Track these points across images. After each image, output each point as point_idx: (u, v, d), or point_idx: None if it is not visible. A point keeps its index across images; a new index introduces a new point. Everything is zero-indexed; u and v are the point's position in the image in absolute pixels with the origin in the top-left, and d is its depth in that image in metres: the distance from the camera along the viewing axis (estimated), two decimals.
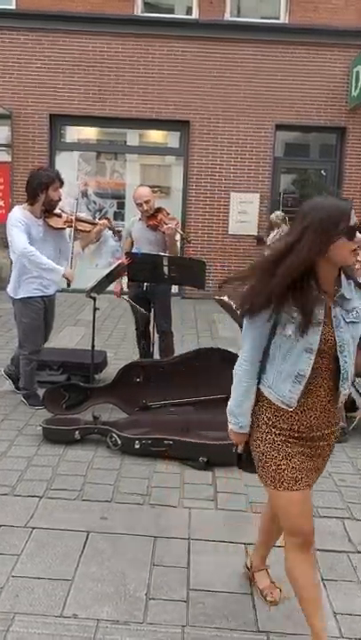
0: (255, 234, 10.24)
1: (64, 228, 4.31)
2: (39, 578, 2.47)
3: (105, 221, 4.49)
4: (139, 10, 9.92)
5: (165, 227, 4.76)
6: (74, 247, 4.36)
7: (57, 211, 4.27)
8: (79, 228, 4.31)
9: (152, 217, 4.92)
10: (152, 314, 5.11)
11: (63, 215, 4.29)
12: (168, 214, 4.99)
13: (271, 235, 9.86)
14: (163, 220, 4.85)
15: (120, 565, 2.58)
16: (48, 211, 4.22)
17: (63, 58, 9.83)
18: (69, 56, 9.83)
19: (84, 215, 4.60)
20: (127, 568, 2.57)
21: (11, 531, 2.80)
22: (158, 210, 4.96)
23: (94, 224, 4.42)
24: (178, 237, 5.02)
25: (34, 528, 2.84)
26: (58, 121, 10.17)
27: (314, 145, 10.88)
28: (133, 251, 4.91)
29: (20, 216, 4.12)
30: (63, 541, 2.74)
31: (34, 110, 9.93)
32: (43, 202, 4.17)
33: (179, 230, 4.80)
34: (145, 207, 4.91)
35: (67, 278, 4.20)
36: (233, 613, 2.32)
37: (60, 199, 4.23)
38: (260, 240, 9.95)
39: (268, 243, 9.75)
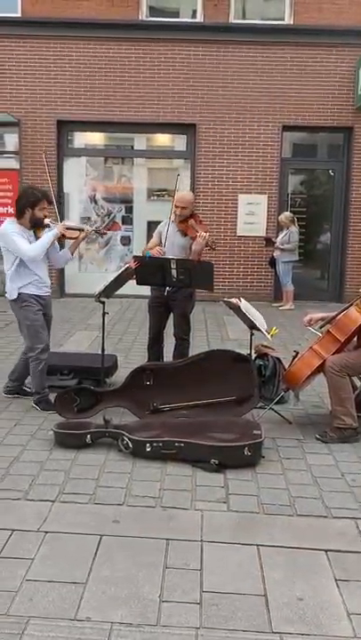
0: (264, 235, 10.25)
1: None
2: (52, 581, 2.48)
3: (89, 227, 4.71)
4: (144, 15, 9.98)
5: (198, 234, 4.81)
6: (54, 250, 4.62)
7: (46, 221, 4.48)
8: (67, 235, 4.53)
9: (183, 221, 4.99)
10: (171, 319, 5.15)
11: (52, 226, 4.48)
12: (201, 221, 5.07)
13: (280, 235, 9.87)
14: (193, 226, 4.90)
15: (133, 568, 2.59)
16: (37, 225, 4.44)
17: (69, 64, 9.91)
18: (75, 62, 9.91)
19: (70, 223, 4.91)
20: (140, 571, 2.57)
21: (24, 535, 2.82)
22: (191, 215, 5.02)
23: (81, 229, 4.65)
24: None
25: (47, 532, 2.85)
26: (65, 127, 10.25)
27: (321, 145, 10.88)
28: (142, 254, 4.92)
29: (12, 226, 4.37)
30: (76, 545, 2.75)
31: (41, 117, 10.01)
32: (29, 219, 4.39)
33: (208, 241, 4.83)
34: (178, 212, 4.98)
35: (60, 232, 4.39)
36: (247, 615, 2.32)
37: (45, 217, 4.44)
38: (268, 241, 9.95)
39: (277, 243, 9.76)
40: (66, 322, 8.16)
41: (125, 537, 2.83)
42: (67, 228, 4.52)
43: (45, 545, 2.75)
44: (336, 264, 10.72)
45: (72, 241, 4.66)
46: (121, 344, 6.87)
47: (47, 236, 4.36)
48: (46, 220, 4.44)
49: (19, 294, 4.42)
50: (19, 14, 9.83)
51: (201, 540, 2.83)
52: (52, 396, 4.68)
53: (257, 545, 2.80)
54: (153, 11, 10.13)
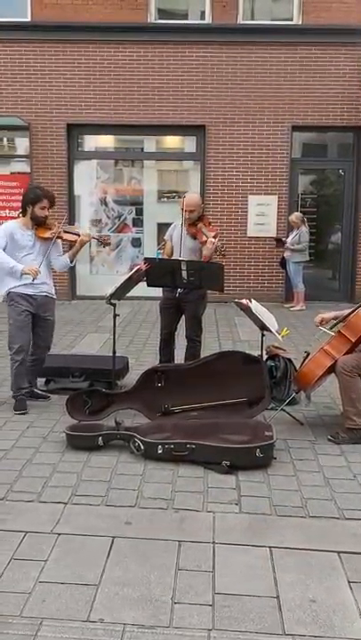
0: (274, 236, 10.23)
1: (51, 238, 4.59)
2: (65, 583, 2.49)
3: (89, 234, 4.81)
4: (152, 17, 10.00)
5: (208, 240, 4.82)
6: (58, 244, 4.71)
7: (49, 222, 4.61)
8: (65, 238, 4.66)
9: (193, 225, 4.99)
10: (183, 321, 5.16)
11: (53, 227, 4.61)
12: (210, 223, 5.07)
13: (290, 236, 9.84)
14: (202, 230, 4.90)
15: (145, 570, 2.60)
16: (38, 223, 4.55)
17: (78, 67, 9.96)
18: (85, 65, 9.95)
19: (70, 227, 5.01)
20: (152, 572, 2.58)
21: (37, 537, 2.84)
22: (200, 218, 5.02)
23: (79, 235, 4.73)
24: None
25: (59, 534, 2.87)
26: (75, 130, 10.29)
27: (331, 145, 10.84)
28: (152, 256, 4.94)
29: (8, 224, 4.57)
30: (88, 547, 2.76)
31: (51, 121, 10.07)
32: (30, 216, 4.51)
33: (218, 246, 4.82)
34: (188, 215, 4.99)
35: (25, 274, 4.42)
36: (259, 616, 2.32)
37: (46, 216, 4.56)
38: (279, 241, 9.93)
39: (288, 244, 9.74)
40: (77, 324, 8.20)
41: (138, 539, 2.84)
42: (65, 232, 4.64)
43: (58, 547, 2.76)
44: (347, 264, 10.67)
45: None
46: (132, 346, 6.89)
47: (12, 265, 4.38)
48: (50, 232, 4.54)
49: (8, 293, 4.52)
50: (28, 19, 9.90)
51: (213, 542, 2.83)
52: (63, 398, 4.72)
53: (269, 547, 2.80)
54: (161, 13, 10.16)
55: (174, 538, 2.86)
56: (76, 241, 4.64)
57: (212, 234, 4.92)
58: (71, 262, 4.77)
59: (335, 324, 4.37)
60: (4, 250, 4.43)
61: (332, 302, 10.18)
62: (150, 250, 10.40)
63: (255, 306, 4.22)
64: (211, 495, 3.30)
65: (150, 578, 2.55)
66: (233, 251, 10.12)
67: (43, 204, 4.47)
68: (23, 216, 4.57)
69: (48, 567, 2.61)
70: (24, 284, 4.47)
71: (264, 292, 10.05)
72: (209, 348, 6.35)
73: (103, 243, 4.88)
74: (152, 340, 7.12)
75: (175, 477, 3.50)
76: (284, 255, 9.91)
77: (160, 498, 3.25)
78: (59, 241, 4.65)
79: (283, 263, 10.07)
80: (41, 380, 5.11)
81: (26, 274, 4.40)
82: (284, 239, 9.89)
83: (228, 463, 3.55)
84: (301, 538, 2.89)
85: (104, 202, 10.68)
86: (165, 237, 5.32)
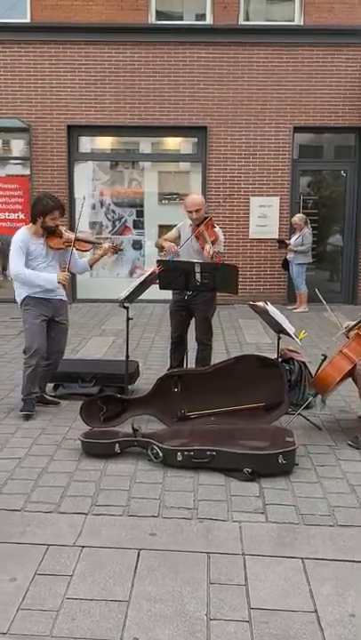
0: (276, 237, 10.16)
1: (63, 248, 4.49)
2: (94, 599, 2.39)
3: (108, 245, 4.65)
4: (152, 18, 9.92)
5: (204, 246, 4.74)
6: (73, 256, 4.55)
7: (59, 230, 4.49)
8: (78, 247, 4.54)
9: (196, 227, 4.91)
10: (193, 324, 5.06)
11: (64, 235, 4.50)
12: (214, 226, 4.95)
13: (293, 238, 9.78)
14: (203, 234, 4.81)
15: (176, 584, 2.50)
16: (49, 232, 4.45)
17: (79, 68, 9.86)
18: (85, 66, 9.85)
19: (84, 235, 4.89)
20: (183, 587, 2.48)
21: (60, 550, 2.73)
22: (203, 220, 4.92)
23: (94, 243, 4.67)
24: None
25: (83, 547, 2.76)
26: (75, 132, 10.18)
27: (333, 146, 10.79)
28: (166, 258, 4.82)
29: (21, 236, 4.39)
30: (115, 560, 2.66)
31: (51, 122, 9.96)
32: (41, 226, 4.41)
33: (212, 254, 4.72)
34: (194, 216, 4.89)
35: (61, 283, 4.39)
36: (299, 633, 2.22)
37: (57, 226, 4.47)
38: (282, 243, 9.86)
39: (291, 245, 9.67)
40: (80, 327, 8.08)
41: (164, 551, 2.74)
42: (78, 241, 4.52)
43: (83, 560, 2.66)
44: (349, 266, 10.61)
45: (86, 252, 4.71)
46: (138, 350, 6.78)
47: (39, 276, 4.34)
48: (62, 241, 4.45)
49: (24, 297, 4.44)
50: (28, 20, 9.79)
51: (243, 554, 2.73)
52: (72, 404, 4.62)
53: (301, 558, 2.71)
54: (162, 14, 10.08)
55: (202, 549, 2.76)
56: (88, 250, 4.59)
57: (212, 238, 4.83)
58: (90, 268, 4.70)
59: (351, 328, 4.29)
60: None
61: (334, 304, 10.12)
62: (151, 252, 10.29)
63: (272, 309, 4.13)
64: (235, 504, 3.20)
65: (182, 592, 2.44)
66: (235, 252, 10.04)
67: (54, 215, 4.38)
68: (33, 224, 4.45)
69: (74, 582, 2.50)
70: (41, 291, 4.40)
71: (266, 294, 9.93)
72: (216, 351, 6.23)
73: (118, 250, 4.76)
74: (158, 343, 7.03)
75: (196, 485, 3.40)
76: (287, 257, 9.84)
77: (183, 507, 3.15)
78: (73, 249, 4.52)
79: (285, 265, 10.00)
80: (49, 386, 4.99)
81: (61, 283, 4.36)
82: (287, 241, 9.82)
83: (249, 470, 3.45)
84: (333, 548, 2.80)
85: (104, 204, 10.58)
86: (175, 228, 5.18)
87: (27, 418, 4.42)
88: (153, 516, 3.05)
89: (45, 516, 3.05)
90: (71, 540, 2.81)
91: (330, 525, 3.01)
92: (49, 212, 4.36)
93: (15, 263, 4.34)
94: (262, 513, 3.11)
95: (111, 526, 2.95)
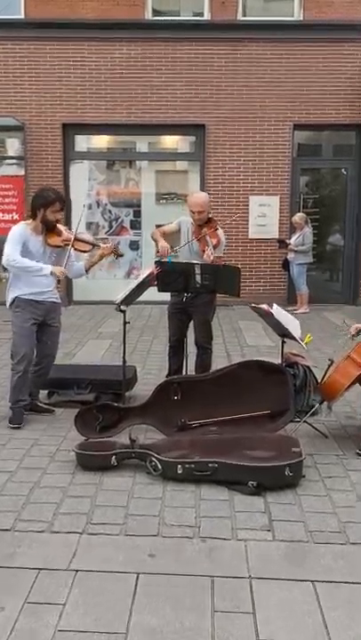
0: (276, 237, 9.98)
1: (61, 247, 4.29)
2: (89, 631, 2.19)
3: (109, 245, 4.47)
4: (149, 14, 9.73)
5: (205, 250, 4.52)
6: (71, 254, 4.32)
7: (58, 228, 4.30)
8: (77, 247, 4.33)
9: (198, 227, 4.70)
10: (191, 327, 4.87)
11: (63, 234, 4.30)
12: (216, 229, 4.73)
13: (293, 237, 9.59)
14: (205, 238, 4.61)
15: (177, 613, 2.30)
16: (48, 229, 4.25)
17: (74, 65, 9.67)
18: (80, 63, 9.66)
19: (84, 235, 4.60)
20: (186, 616, 2.29)
21: (52, 575, 2.53)
22: (207, 221, 4.72)
23: (94, 245, 4.44)
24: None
25: (77, 570, 2.56)
26: (71, 130, 9.99)
27: (333, 144, 10.61)
28: (164, 259, 4.60)
29: (20, 230, 4.21)
30: (111, 585, 2.46)
31: (46, 121, 9.76)
32: (41, 220, 4.22)
33: (214, 258, 4.53)
34: (197, 217, 4.69)
35: (55, 274, 4.19)
36: None
37: (58, 220, 4.28)
38: (282, 242, 9.68)
39: (292, 245, 9.48)
40: (76, 330, 7.89)
41: (165, 574, 2.55)
42: (78, 240, 4.32)
43: (77, 586, 2.46)
44: (350, 266, 10.44)
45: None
46: (136, 353, 6.58)
47: (34, 264, 4.13)
48: (61, 239, 4.26)
49: (14, 299, 4.26)
50: (22, 16, 9.60)
51: (249, 577, 2.54)
52: (67, 412, 4.43)
53: (312, 581, 2.52)
54: (159, 9, 9.88)
55: (205, 572, 2.57)
56: (87, 251, 4.40)
57: (215, 242, 4.64)
58: (87, 272, 4.48)
59: (359, 332, 4.10)
60: None
61: (335, 305, 9.97)
62: (149, 253, 10.10)
63: (277, 311, 3.94)
64: (239, 520, 3.00)
65: (184, 623, 2.25)
66: (234, 252, 9.85)
67: (55, 208, 4.19)
68: (32, 220, 4.26)
69: (67, 612, 2.30)
70: (32, 292, 4.21)
71: (266, 295, 9.77)
72: (216, 354, 6.04)
73: (118, 255, 4.54)
74: (155, 347, 6.84)
75: (198, 500, 3.21)
76: (288, 257, 9.66)
77: (184, 525, 2.95)
78: (71, 249, 4.32)
79: (285, 265, 9.81)
80: (43, 393, 4.80)
81: (55, 275, 4.16)
82: (287, 240, 9.64)
83: (254, 483, 3.26)
84: (346, 568, 2.61)
85: (101, 204, 10.38)
86: (176, 222, 4.92)
87: (17, 427, 4.23)
88: (152, 535, 2.86)
89: (37, 535, 2.85)
90: (64, 564, 2.61)
91: (341, 544, 2.82)
92: (50, 205, 4.17)
93: (10, 250, 4.10)
94: (269, 530, 2.92)
95: (108, 547, 2.75)
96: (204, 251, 4.59)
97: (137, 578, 2.52)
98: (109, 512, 3.07)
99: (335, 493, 3.32)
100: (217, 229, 4.72)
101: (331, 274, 10.83)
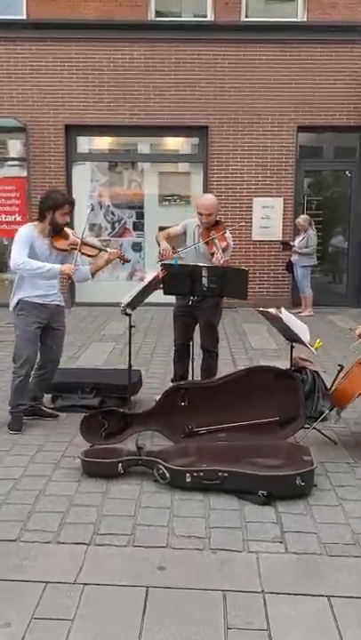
0: (280, 239, 9.91)
1: (67, 250, 4.21)
2: None
3: (116, 251, 4.41)
4: (152, 15, 9.67)
5: (215, 254, 4.45)
6: (78, 258, 4.22)
7: (65, 231, 4.22)
8: (84, 251, 4.25)
9: (205, 230, 4.62)
10: (197, 330, 4.79)
11: (70, 237, 4.22)
12: (224, 231, 4.65)
13: (297, 239, 9.52)
14: (213, 240, 4.53)
15: (189, 630, 2.22)
16: (55, 231, 4.17)
17: (76, 66, 9.61)
18: (83, 64, 9.60)
19: (91, 239, 4.56)
20: (198, 633, 2.21)
21: (59, 588, 2.45)
22: (215, 224, 4.65)
23: (101, 249, 4.36)
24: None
25: (85, 584, 2.49)
26: (73, 132, 9.92)
27: (337, 146, 10.55)
28: (169, 262, 4.50)
29: (27, 232, 4.15)
30: (120, 601, 2.38)
31: (49, 122, 9.70)
32: (49, 222, 4.15)
33: (224, 262, 4.45)
34: (205, 219, 4.61)
35: (65, 273, 4.09)
36: None
37: (66, 223, 4.21)
38: (286, 244, 9.61)
39: (296, 247, 9.41)
40: (79, 332, 7.82)
41: (175, 589, 2.47)
42: (84, 245, 4.24)
43: (85, 601, 2.38)
44: (354, 268, 10.37)
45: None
46: (140, 357, 6.49)
47: (43, 265, 4.04)
48: (67, 243, 4.17)
49: (18, 302, 4.18)
50: (24, 16, 9.53)
51: (262, 592, 2.46)
52: (72, 417, 4.35)
53: (327, 596, 2.44)
54: (162, 10, 9.82)
55: (217, 587, 2.49)
56: (94, 255, 4.31)
57: (224, 245, 4.56)
58: (92, 277, 4.38)
59: None
60: None
61: (340, 307, 9.89)
62: (152, 255, 10.03)
63: (287, 316, 3.87)
64: (250, 531, 2.92)
65: None
66: (238, 255, 9.74)
67: (64, 210, 4.12)
68: (40, 222, 4.18)
69: (75, 629, 2.22)
70: (37, 295, 4.15)
71: (270, 297, 9.70)
72: (221, 358, 5.96)
73: (124, 260, 4.46)
74: (159, 350, 6.76)
75: (208, 510, 3.13)
76: (292, 259, 9.59)
77: (194, 536, 2.87)
78: (78, 253, 4.23)
79: (289, 267, 9.74)
80: (46, 397, 4.72)
81: (65, 273, 4.06)
82: (291, 242, 9.57)
83: (265, 493, 3.18)
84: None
85: (103, 205, 10.31)
86: (181, 224, 4.85)
87: (16, 433, 4.16)
88: (161, 547, 2.78)
89: (43, 547, 2.77)
90: (72, 577, 2.53)
91: (356, 556, 2.74)
92: (59, 207, 4.11)
93: (18, 254, 4.02)
94: (281, 542, 2.84)
95: (116, 559, 2.68)
96: (212, 254, 4.51)
97: (146, 592, 2.44)
98: (116, 521, 2.99)
99: (348, 503, 3.24)
100: (225, 233, 4.65)
101: (335, 276, 10.75)
